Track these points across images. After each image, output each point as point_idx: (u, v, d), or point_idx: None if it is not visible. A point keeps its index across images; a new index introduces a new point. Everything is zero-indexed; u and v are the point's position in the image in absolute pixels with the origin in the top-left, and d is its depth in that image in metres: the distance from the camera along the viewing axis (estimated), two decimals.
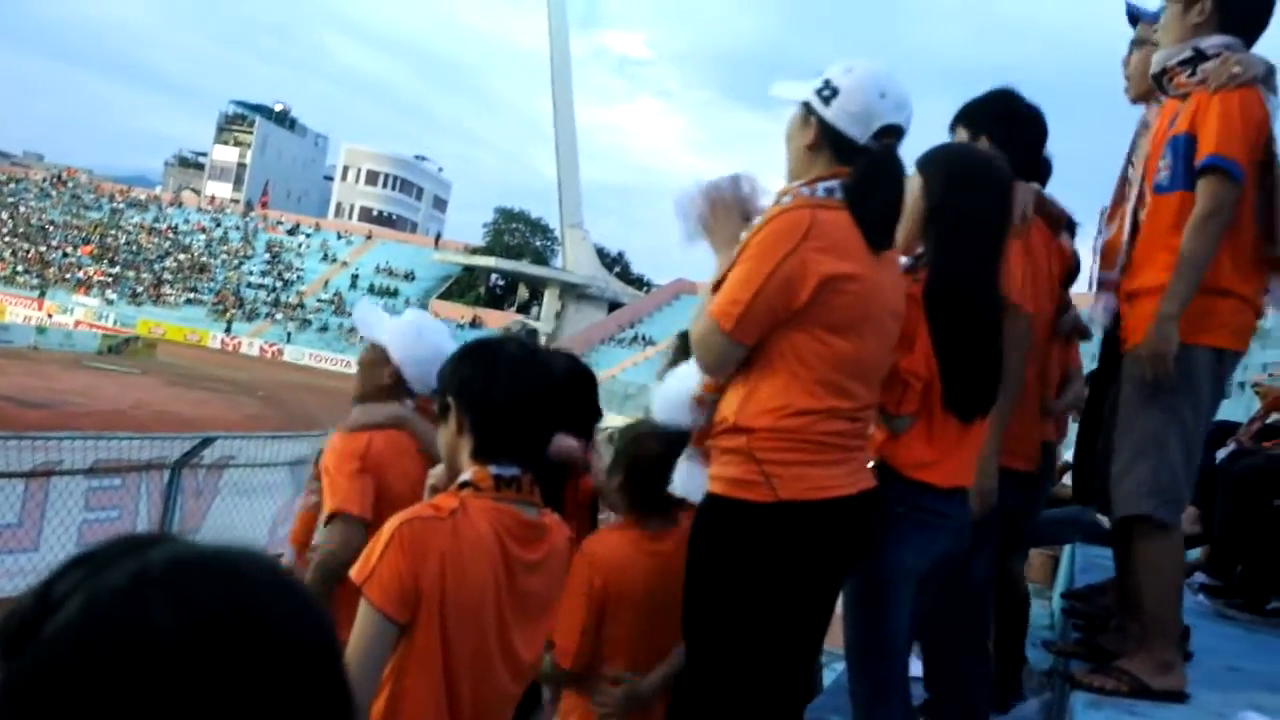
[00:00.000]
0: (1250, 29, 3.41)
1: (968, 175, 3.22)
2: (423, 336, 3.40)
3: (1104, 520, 4.15)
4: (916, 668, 4.02)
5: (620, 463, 3.37)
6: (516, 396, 2.45)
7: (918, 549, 3.10)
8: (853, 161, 2.77)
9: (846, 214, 2.72)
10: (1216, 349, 3.33)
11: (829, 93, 2.76)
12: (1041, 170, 3.87)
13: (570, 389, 3.99)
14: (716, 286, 2.75)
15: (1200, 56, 3.36)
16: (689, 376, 2.92)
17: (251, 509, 9.77)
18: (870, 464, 3.00)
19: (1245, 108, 3.25)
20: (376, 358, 3.41)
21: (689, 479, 2.93)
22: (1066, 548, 6.92)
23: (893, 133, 2.79)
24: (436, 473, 2.73)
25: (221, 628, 0.87)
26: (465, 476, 2.45)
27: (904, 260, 3.11)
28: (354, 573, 2.33)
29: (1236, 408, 8.41)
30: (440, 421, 2.55)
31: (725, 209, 2.89)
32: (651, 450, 3.20)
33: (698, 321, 2.77)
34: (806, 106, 2.81)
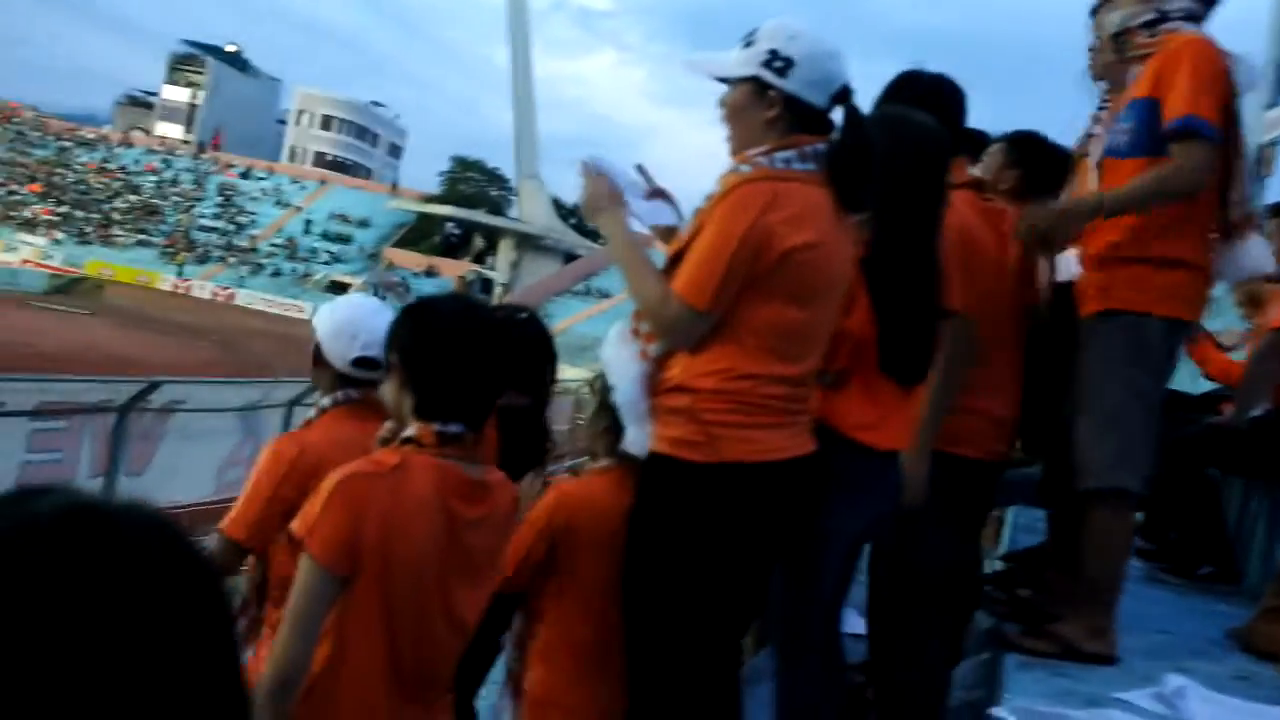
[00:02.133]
0: None
1: (907, 142, 3.21)
2: (335, 309, 3.39)
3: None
4: (858, 624, 4.08)
5: (604, 410, 3.29)
6: (456, 355, 2.46)
7: (852, 512, 3.15)
8: (811, 128, 2.77)
9: (805, 185, 2.72)
10: (1170, 319, 3.36)
11: (782, 64, 2.74)
12: (970, 142, 3.87)
13: (522, 345, 3.98)
14: (673, 262, 2.75)
15: (1163, 18, 3.37)
16: (627, 362, 2.90)
17: (198, 454, 9.69)
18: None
19: (1212, 62, 3.24)
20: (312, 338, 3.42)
21: (639, 438, 2.93)
22: (1010, 510, 7.02)
23: (847, 92, 2.80)
24: (388, 426, 2.74)
25: (107, 578, 0.90)
26: (409, 432, 2.46)
27: None
28: (295, 526, 2.34)
29: (1181, 378, 8.51)
30: (386, 378, 2.56)
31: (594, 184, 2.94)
32: None
33: (663, 304, 2.73)
34: (758, 81, 2.77)
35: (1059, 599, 3.60)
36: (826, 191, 2.76)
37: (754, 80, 2.78)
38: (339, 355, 3.30)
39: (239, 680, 1.00)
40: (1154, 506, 5.25)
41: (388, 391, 2.55)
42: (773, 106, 2.76)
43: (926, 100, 3.45)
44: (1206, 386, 6.21)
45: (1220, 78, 3.25)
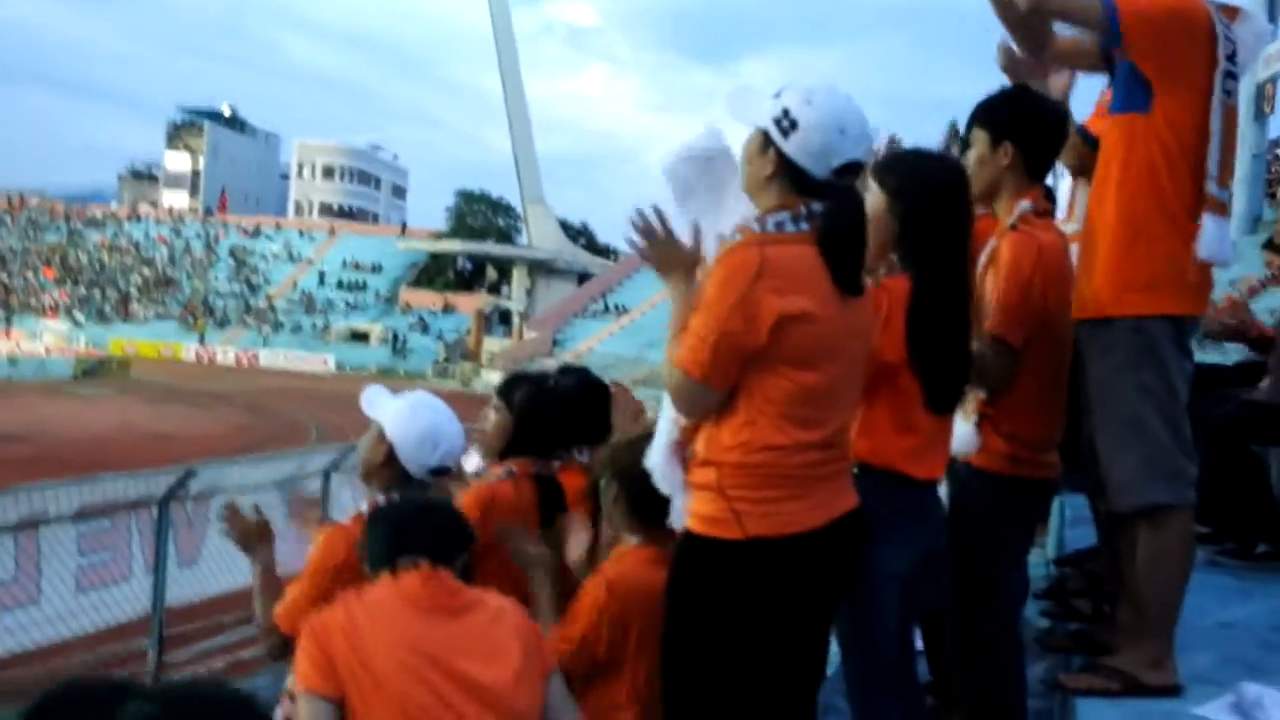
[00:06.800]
0: None
1: (933, 183, 3.23)
2: (416, 414, 3.38)
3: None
4: (916, 641, 4.06)
5: (612, 479, 3.31)
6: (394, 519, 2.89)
7: (901, 551, 3.12)
8: (810, 193, 2.73)
9: (799, 247, 2.69)
10: (1171, 317, 3.22)
11: (788, 124, 2.70)
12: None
13: (581, 404, 4.01)
14: (682, 329, 2.74)
15: None
16: (664, 429, 2.89)
17: None
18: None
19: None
20: (374, 435, 3.40)
21: (679, 509, 2.90)
22: (1055, 498, 6.97)
23: (854, 168, 2.76)
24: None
25: None
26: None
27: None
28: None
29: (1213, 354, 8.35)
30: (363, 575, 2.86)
31: (663, 244, 2.89)
32: (638, 459, 3.06)
33: (670, 373, 2.75)
34: (765, 135, 2.75)
35: (1115, 627, 3.52)
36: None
37: (764, 132, 2.75)
38: (418, 462, 3.35)
39: None
40: (1203, 489, 5.19)
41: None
42: (770, 164, 2.74)
43: (1031, 123, 3.49)
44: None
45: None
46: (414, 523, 2.83)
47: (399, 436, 3.34)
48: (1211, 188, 3.17)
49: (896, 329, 3.11)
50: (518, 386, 3.98)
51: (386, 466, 3.36)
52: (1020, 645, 3.73)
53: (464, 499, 3.73)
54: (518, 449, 3.86)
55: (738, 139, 2.89)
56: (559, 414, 3.92)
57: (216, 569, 9.37)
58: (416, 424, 3.36)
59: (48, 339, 67.27)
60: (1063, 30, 3.45)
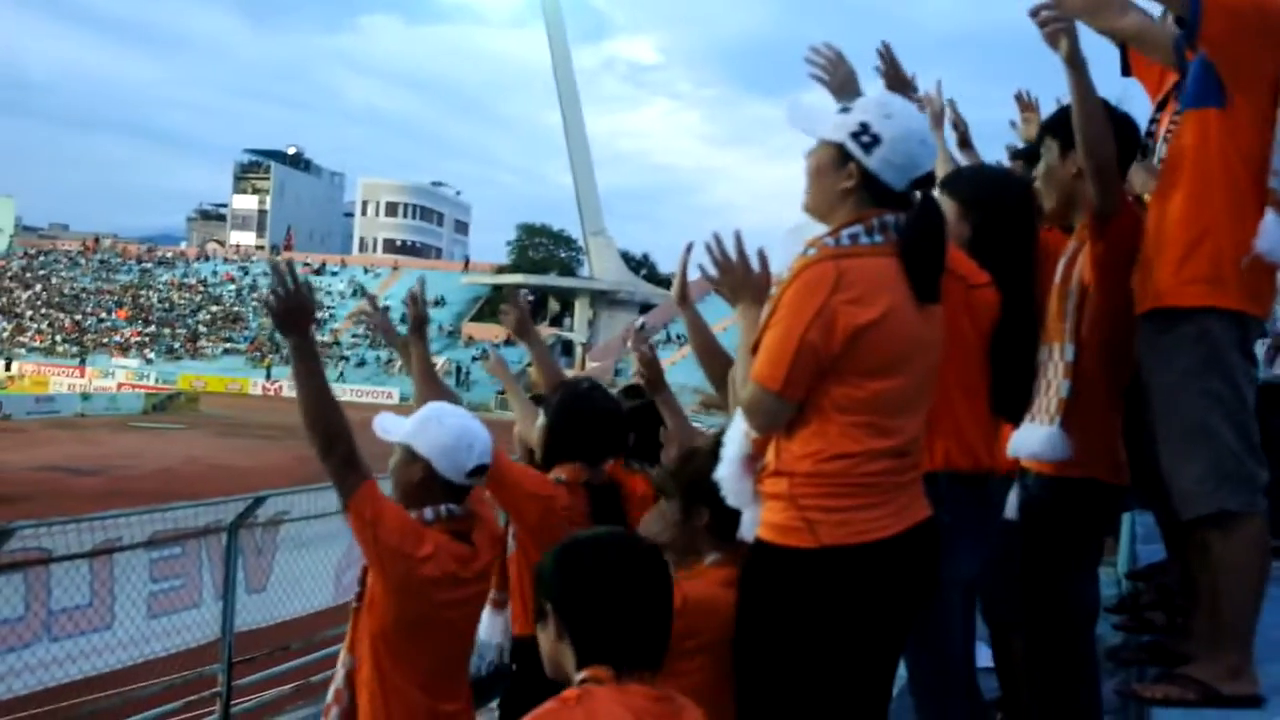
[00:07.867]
0: None
1: (1003, 196, 3.36)
2: (442, 421, 3.31)
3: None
4: (985, 657, 4.01)
5: (698, 504, 3.12)
6: (620, 607, 2.26)
7: (965, 557, 3.09)
8: (886, 205, 2.73)
9: (875, 260, 2.68)
10: (1232, 312, 3.15)
11: (869, 139, 2.70)
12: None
13: (635, 418, 4.05)
14: (755, 347, 2.72)
15: None
16: (734, 442, 2.88)
17: (314, 560, 9.79)
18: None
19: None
20: (403, 458, 3.31)
21: (751, 521, 2.88)
22: (1125, 515, 6.86)
23: (928, 179, 2.78)
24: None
25: None
26: (581, 677, 2.23)
27: None
28: None
29: None
30: (538, 623, 2.35)
31: (737, 270, 2.89)
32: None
33: (744, 387, 2.73)
34: (843, 149, 2.74)
35: (1190, 636, 3.43)
36: (896, 261, 2.71)
37: (839, 147, 2.75)
38: (458, 468, 3.24)
39: None
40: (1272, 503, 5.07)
41: (542, 638, 2.34)
42: (850, 178, 2.73)
43: None
44: None
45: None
46: (653, 618, 2.31)
47: (432, 448, 3.25)
48: (1274, 183, 3.12)
49: (982, 326, 3.12)
50: (555, 394, 4.04)
51: (425, 484, 3.25)
52: (1095, 659, 3.67)
53: (531, 482, 3.74)
54: (559, 454, 3.87)
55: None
56: (592, 416, 3.91)
57: (284, 594, 9.46)
58: (446, 430, 3.27)
59: (120, 376, 68.62)
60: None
